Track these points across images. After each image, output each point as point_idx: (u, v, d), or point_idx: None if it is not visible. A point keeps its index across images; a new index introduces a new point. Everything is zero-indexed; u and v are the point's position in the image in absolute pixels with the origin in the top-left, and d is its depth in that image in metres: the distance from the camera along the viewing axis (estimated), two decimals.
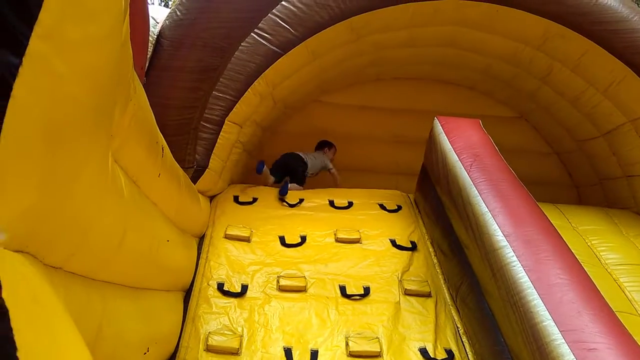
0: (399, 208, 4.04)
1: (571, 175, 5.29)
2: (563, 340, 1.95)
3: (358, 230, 3.65)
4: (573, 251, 2.53)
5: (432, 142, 3.73)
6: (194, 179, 3.49)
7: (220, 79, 3.55)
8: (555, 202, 4.15)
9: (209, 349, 2.69)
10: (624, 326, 2.06)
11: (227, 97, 3.70)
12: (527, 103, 5.05)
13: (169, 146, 2.60)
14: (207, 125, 3.59)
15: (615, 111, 4.09)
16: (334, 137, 5.29)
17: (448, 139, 3.48)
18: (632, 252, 3.54)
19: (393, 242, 3.59)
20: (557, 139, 5.18)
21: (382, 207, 4.02)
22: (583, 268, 2.39)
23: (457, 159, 3.27)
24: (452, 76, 5.15)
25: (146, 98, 2.14)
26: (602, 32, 3.75)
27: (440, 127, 3.63)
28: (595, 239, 3.65)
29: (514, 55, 4.38)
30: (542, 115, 5.05)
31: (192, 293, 3.03)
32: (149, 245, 2.22)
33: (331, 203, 4.01)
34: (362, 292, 3.14)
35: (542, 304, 2.13)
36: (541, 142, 5.36)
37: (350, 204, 4.01)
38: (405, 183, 4.44)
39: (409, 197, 4.25)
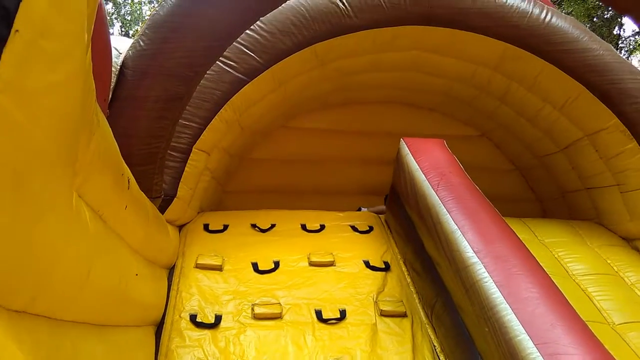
0: (371, 229, 4.06)
1: (534, 190, 5.44)
2: (538, 354, 1.98)
3: (331, 253, 3.65)
4: (541, 264, 2.59)
5: (399, 163, 3.79)
6: (162, 208, 3.43)
7: (187, 107, 3.53)
8: (520, 217, 4.26)
9: None
10: (594, 335, 2.11)
11: (194, 124, 3.68)
12: (487, 122, 5.21)
13: (135, 177, 2.55)
14: (174, 153, 3.56)
15: (572, 127, 4.26)
16: (302, 161, 5.32)
17: (415, 159, 3.54)
18: (596, 262, 3.66)
19: (367, 263, 3.59)
20: (518, 156, 5.34)
21: (354, 228, 4.04)
22: (552, 280, 2.44)
23: (425, 178, 3.33)
24: (416, 99, 5.28)
25: (110, 130, 2.11)
26: (555, 53, 3.93)
27: (407, 148, 3.70)
28: (562, 251, 3.75)
29: (473, 77, 4.52)
30: (503, 133, 5.21)
31: (164, 327, 2.94)
32: (117, 281, 2.15)
33: (303, 227, 3.99)
34: (339, 316, 3.12)
35: (516, 319, 2.16)
36: (503, 159, 5.52)
37: (323, 227, 4.00)
38: (376, 204, 4.48)
39: (380, 217, 4.29)
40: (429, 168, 3.41)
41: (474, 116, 5.25)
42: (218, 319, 3.01)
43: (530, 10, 3.87)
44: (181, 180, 3.60)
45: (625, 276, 3.54)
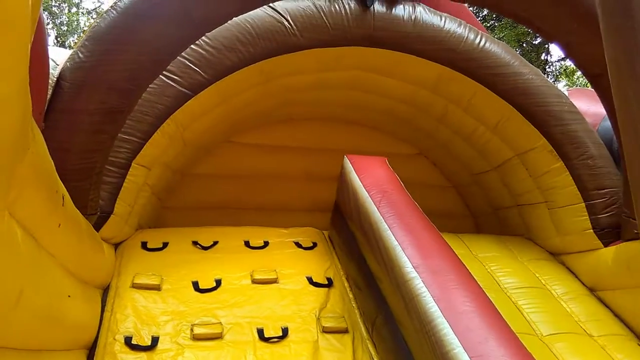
0: (315, 245, 4.08)
1: (468, 206, 5.69)
2: None
3: (275, 270, 3.63)
4: (476, 278, 2.71)
5: (342, 180, 3.86)
6: (97, 225, 3.29)
7: (127, 121, 3.43)
8: (456, 232, 4.44)
9: None
10: (524, 347, 2.22)
11: (134, 139, 3.58)
12: (426, 141, 5.41)
13: (70, 192, 2.45)
14: (112, 168, 3.44)
15: (504, 147, 4.51)
16: (246, 177, 5.28)
17: (358, 176, 3.62)
18: (526, 276, 3.87)
19: (310, 280, 3.60)
20: (454, 173, 5.57)
21: (298, 245, 4.05)
22: (486, 294, 2.56)
23: (367, 195, 3.40)
24: (358, 117, 5.40)
25: (44, 144, 2.02)
26: (488, 76, 4.17)
27: (350, 165, 3.78)
28: (494, 265, 3.94)
29: (413, 98, 4.70)
30: (440, 152, 5.43)
31: (97, 350, 2.80)
32: (49, 303, 2.05)
33: (247, 243, 3.96)
34: (281, 334, 3.10)
35: (452, 332, 2.25)
36: (440, 177, 5.73)
37: (266, 244, 3.98)
38: (320, 220, 4.51)
39: (323, 233, 4.32)
40: (371, 185, 3.50)
41: (413, 135, 5.43)
42: (155, 340, 2.91)
43: (466, 35, 4.09)
44: (119, 196, 3.47)
45: (552, 289, 3.76)
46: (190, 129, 4.16)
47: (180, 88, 3.74)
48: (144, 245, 3.74)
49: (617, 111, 1.51)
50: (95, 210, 3.26)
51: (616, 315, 3.56)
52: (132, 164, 3.57)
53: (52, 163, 2.11)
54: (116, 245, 3.71)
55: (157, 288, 3.30)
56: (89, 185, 3.05)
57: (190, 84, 3.78)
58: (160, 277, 3.38)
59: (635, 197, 1.36)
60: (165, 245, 3.78)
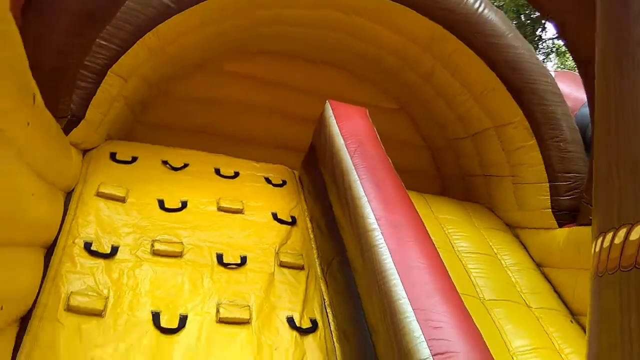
0: (284, 183, 4.13)
1: (439, 168, 5.80)
2: (414, 318, 2.19)
3: (241, 201, 3.67)
4: (432, 238, 2.82)
5: (321, 124, 3.86)
6: (67, 129, 3.23)
7: (107, 27, 3.30)
8: (422, 192, 4.56)
9: (70, 309, 2.56)
10: (465, 308, 2.37)
11: (112, 46, 3.46)
12: (408, 97, 5.41)
13: (42, 92, 2.37)
14: (87, 73, 3.34)
15: (484, 116, 4.55)
16: (226, 105, 5.20)
17: (337, 124, 3.62)
18: (480, 242, 4.05)
19: (274, 216, 3.67)
20: (431, 135, 5.63)
21: (268, 180, 4.08)
22: (438, 253, 2.68)
23: (343, 143, 3.43)
24: (346, 63, 5.32)
25: (19, 38, 1.93)
26: (482, 44, 4.14)
27: (331, 111, 3.77)
28: (452, 228, 4.10)
29: (402, 51, 4.64)
30: (421, 111, 5.44)
31: (55, 251, 2.83)
32: (11, 197, 2.04)
33: (217, 171, 3.96)
34: (239, 262, 3.19)
35: (401, 284, 2.37)
36: (417, 136, 5.79)
37: (237, 174, 4.00)
38: (290, 159, 4.53)
39: (294, 173, 4.36)
40: (348, 134, 3.52)
41: (397, 89, 5.41)
42: (114, 250, 2.96)
43: None
44: (91, 102, 3.39)
45: (502, 258, 3.96)
46: (173, 45, 4.02)
47: (165, 0, 3.59)
48: (112, 156, 3.70)
49: (596, 101, 1.54)
50: (66, 113, 3.19)
51: (556, 291, 3.79)
52: (108, 72, 3.48)
53: (25, 59, 2.03)
54: (84, 152, 3.65)
55: (121, 200, 3.31)
56: (62, 87, 2.97)
57: None
58: (126, 190, 3.38)
59: (594, 186, 1.43)
60: (134, 159, 3.75)
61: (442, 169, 5.74)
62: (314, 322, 2.99)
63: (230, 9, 4.01)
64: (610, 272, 1.21)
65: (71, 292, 2.63)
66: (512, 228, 4.44)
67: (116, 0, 2.77)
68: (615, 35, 1.44)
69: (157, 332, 2.62)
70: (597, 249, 1.29)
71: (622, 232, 1.19)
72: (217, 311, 2.83)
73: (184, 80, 4.97)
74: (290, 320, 2.94)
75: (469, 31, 4.11)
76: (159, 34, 3.71)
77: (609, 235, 1.24)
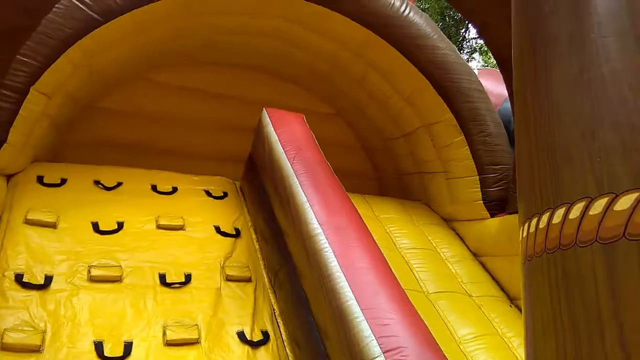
0: (225, 195, 4.07)
1: (376, 169, 5.94)
2: (363, 318, 2.24)
3: (182, 217, 3.59)
4: (375, 237, 2.89)
5: (259, 132, 3.85)
6: None
7: (27, 42, 3.14)
8: (362, 193, 4.65)
9: (5, 348, 2.40)
10: (410, 302, 2.45)
11: (34, 62, 3.31)
12: (343, 102, 5.51)
13: None
14: (8, 93, 3.18)
15: (414, 116, 4.72)
16: (159, 118, 5.06)
17: (275, 131, 3.63)
18: (420, 238, 4.19)
19: (217, 229, 3.62)
20: (367, 137, 5.76)
21: (208, 193, 4.02)
22: (381, 253, 2.75)
23: (282, 150, 3.44)
24: (280, 69, 5.34)
25: None
26: (409, 46, 4.29)
27: (268, 119, 3.77)
28: (393, 227, 4.22)
29: (333, 57, 4.73)
30: (356, 114, 5.56)
31: None
32: None
33: (154, 187, 3.85)
34: (183, 280, 3.12)
35: (348, 286, 2.41)
36: (353, 138, 5.90)
37: (175, 190, 3.91)
38: (231, 170, 4.47)
39: (235, 184, 4.31)
40: (287, 141, 3.54)
41: (331, 94, 5.50)
42: (48, 279, 2.80)
43: (393, 2, 4.16)
44: (13, 124, 3.23)
45: (441, 251, 4.12)
46: (100, 58, 3.89)
47: (90, 12, 3.48)
48: (39, 180, 3.51)
49: (514, 95, 1.64)
50: None
51: (494, 278, 3.99)
52: (30, 90, 3.32)
53: None
54: (8, 177, 3.44)
55: (52, 226, 3.15)
56: None
57: (102, 9, 3.53)
58: (57, 215, 3.21)
59: (517, 176, 1.52)
60: (63, 181, 3.58)
61: (380, 170, 5.88)
62: (265, 334, 2.97)
63: (158, 19, 3.92)
64: (537, 255, 1.29)
65: (5, 329, 2.47)
66: (448, 222, 4.62)
67: (38, 13, 2.63)
68: (529, 32, 1.54)
69: None
70: (524, 235, 1.38)
71: (545, 217, 1.28)
72: (164, 334, 2.75)
73: (112, 95, 4.78)
74: (241, 335, 2.90)
75: (396, 34, 4.25)
76: (84, 47, 3.57)
77: (534, 221, 1.33)
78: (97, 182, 3.69)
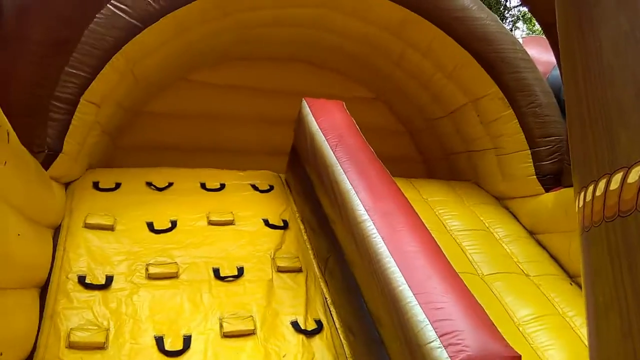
0: (271, 188, 4.11)
1: (421, 151, 5.82)
2: (416, 302, 2.20)
3: (231, 212, 3.65)
4: (424, 220, 2.83)
5: (300, 123, 3.85)
6: (46, 164, 3.20)
7: (74, 54, 3.27)
8: (408, 177, 4.56)
9: (72, 346, 2.53)
10: (464, 285, 2.38)
11: (82, 73, 3.44)
12: (383, 85, 5.42)
13: (15, 129, 2.35)
14: (60, 104, 3.31)
15: (458, 92, 4.58)
16: (202, 117, 5.17)
17: (315, 120, 3.62)
18: (471, 219, 4.07)
19: (266, 222, 3.66)
20: (409, 119, 5.65)
21: (255, 187, 4.06)
22: (432, 236, 2.69)
23: (324, 139, 3.43)
24: (318, 58, 5.32)
25: None
26: (447, 20, 4.16)
27: (308, 108, 3.76)
28: (442, 209, 4.12)
29: (373, 40, 4.65)
30: (396, 97, 5.46)
31: (50, 289, 2.80)
32: None
33: (203, 185, 3.94)
34: (236, 273, 3.17)
35: (399, 271, 2.37)
36: (395, 122, 5.80)
37: (223, 186, 3.98)
38: (275, 163, 4.51)
39: (280, 177, 4.34)
40: (328, 129, 3.52)
41: (371, 78, 5.43)
42: (109, 279, 2.93)
43: None
44: (67, 134, 3.36)
45: (494, 232, 3.99)
46: (142, 64, 4.00)
47: (130, 19, 3.58)
48: (95, 186, 3.67)
49: (562, 61, 1.55)
50: (43, 148, 3.15)
51: (552, 256, 3.83)
52: (81, 100, 3.45)
53: None
54: (67, 185, 3.61)
55: (110, 228, 3.28)
56: (36, 121, 2.93)
57: (141, 15, 3.62)
58: (114, 218, 3.35)
59: (570, 144, 1.44)
60: (118, 185, 3.72)
61: (425, 152, 5.76)
62: (319, 323, 2.98)
63: (193, 20, 3.99)
64: (595, 225, 1.22)
65: (71, 329, 2.60)
66: (501, 200, 4.47)
67: (78, 25, 2.74)
68: None
69: (162, 357, 2.61)
70: (581, 204, 1.30)
71: (602, 184, 1.20)
72: (221, 326, 2.81)
73: (156, 98, 4.93)
74: (295, 324, 2.93)
75: (433, 9, 4.14)
76: (127, 55, 3.69)
77: (590, 189, 1.25)
78: (149, 184, 3.82)
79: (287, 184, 4.26)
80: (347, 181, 3.03)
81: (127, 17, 3.56)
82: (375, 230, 2.63)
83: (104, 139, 4.18)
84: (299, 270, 3.33)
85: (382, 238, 2.57)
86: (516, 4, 17.87)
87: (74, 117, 3.41)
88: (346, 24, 4.53)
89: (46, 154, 3.19)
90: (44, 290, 2.79)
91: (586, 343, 1.33)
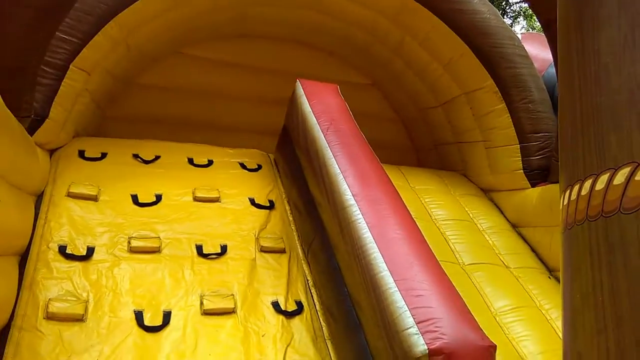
0: (259, 167, 4.09)
1: (412, 140, 5.83)
2: (396, 289, 2.22)
3: (217, 189, 3.63)
4: (409, 208, 2.84)
5: (293, 104, 3.82)
6: (31, 129, 3.15)
7: (66, 19, 3.20)
8: (398, 164, 4.57)
9: (50, 317, 2.51)
10: (445, 274, 2.40)
11: (73, 39, 3.38)
12: (379, 71, 5.39)
13: (1, 93, 2.30)
14: (49, 70, 3.25)
15: (453, 84, 4.57)
16: (195, 92, 5.10)
17: (308, 102, 3.59)
18: (456, 209, 4.10)
19: (252, 201, 3.65)
20: (403, 107, 5.64)
21: (243, 166, 4.04)
22: (416, 224, 2.71)
23: (316, 121, 3.40)
24: (315, 40, 5.26)
25: None
26: (447, 11, 4.14)
27: (302, 90, 3.73)
28: (428, 198, 4.14)
29: (371, 25, 4.61)
30: (392, 84, 5.43)
31: (29, 257, 2.77)
32: None
33: (190, 161, 3.90)
34: (219, 251, 3.16)
35: (381, 257, 2.38)
36: (389, 109, 5.78)
37: (210, 162, 3.94)
38: (266, 142, 4.48)
39: (269, 156, 4.32)
40: (320, 112, 3.49)
41: (367, 64, 5.39)
42: (90, 251, 2.90)
43: None
44: (55, 99, 3.32)
45: (478, 223, 4.02)
46: (137, 33, 3.93)
47: None
48: (81, 154, 3.61)
49: (559, 59, 1.55)
50: (29, 113, 3.10)
51: (533, 250, 3.88)
52: (71, 66, 3.40)
53: None
54: (51, 152, 3.56)
55: (94, 198, 3.24)
56: (23, 85, 2.89)
57: None
58: (98, 188, 3.31)
59: (560, 142, 1.45)
60: (104, 155, 3.67)
61: (416, 140, 5.77)
62: (299, 304, 3.00)
63: None
64: (578, 223, 1.23)
65: (49, 299, 2.57)
66: (487, 192, 4.50)
67: None
68: None
69: (141, 331, 2.59)
70: (565, 202, 1.32)
71: (587, 184, 1.21)
72: (201, 303, 2.81)
73: (148, 70, 4.85)
74: (276, 305, 2.94)
75: None
76: (121, 22, 3.62)
77: (576, 188, 1.26)
78: (135, 156, 3.77)
79: (275, 164, 4.24)
80: (336, 165, 3.02)
81: None
82: (360, 216, 2.64)
83: (92, 107, 4.11)
84: (283, 251, 3.33)
85: (367, 224, 2.58)
86: (518, 0, 17.81)
87: (62, 83, 3.36)
88: (345, 8, 4.48)
89: (32, 119, 3.14)
90: (23, 259, 2.76)
91: (561, 335, 1.36)
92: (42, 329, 2.46)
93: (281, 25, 4.98)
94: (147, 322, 2.63)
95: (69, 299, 2.61)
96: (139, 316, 2.64)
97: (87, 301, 2.64)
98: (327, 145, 3.19)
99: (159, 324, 2.64)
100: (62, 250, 2.84)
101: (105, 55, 3.74)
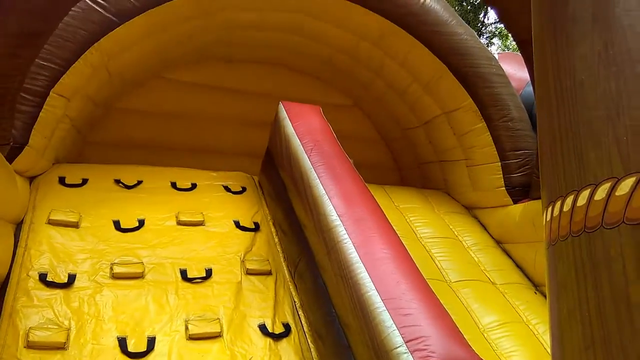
0: (244, 190, 4.08)
1: (395, 159, 5.88)
2: (384, 308, 2.21)
3: (201, 213, 3.60)
4: (395, 227, 2.85)
5: (276, 126, 3.84)
6: (10, 157, 3.10)
7: (46, 46, 3.18)
8: (381, 184, 4.60)
9: (30, 346, 2.44)
10: (432, 292, 2.41)
11: (53, 66, 3.36)
12: (361, 93, 5.45)
13: None
14: (28, 96, 3.22)
15: (433, 104, 4.65)
16: (177, 116, 5.08)
17: (291, 124, 3.61)
18: (441, 227, 4.13)
19: (237, 224, 3.62)
20: (386, 127, 5.70)
21: (227, 188, 4.02)
22: (402, 242, 2.72)
23: (299, 143, 3.42)
24: (297, 63, 5.31)
25: None
26: (426, 33, 4.22)
27: (285, 112, 3.75)
28: (413, 216, 4.16)
29: (353, 49, 4.68)
30: (374, 105, 5.50)
31: (9, 286, 2.71)
32: None
33: (173, 185, 3.87)
34: (204, 275, 3.12)
35: (368, 277, 2.38)
36: (372, 130, 5.84)
37: (194, 186, 3.92)
38: (250, 165, 4.48)
39: (253, 178, 4.31)
40: (304, 133, 3.51)
41: (349, 86, 5.45)
42: (72, 278, 2.84)
43: None
44: (34, 127, 3.28)
45: (463, 240, 4.05)
46: (117, 59, 3.92)
47: (107, 14, 3.52)
48: (61, 181, 3.57)
49: (535, 77, 1.59)
50: (8, 140, 3.06)
51: (518, 265, 3.91)
52: (51, 93, 3.37)
53: None
54: (31, 179, 3.50)
55: (74, 225, 3.19)
56: (1, 113, 2.85)
57: (118, 10, 3.56)
58: (79, 215, 3.26)
59: (540, 159, 1.47)
60: (84, 181, 3.62)
61: (399, 160, 5.82)
62: (287, 326, 2.96)
63: (173, 18, 3.94)
64: (562, 239, 1.24)
65: (30, 328, 2.51)
66: (470, 209, 4.55)
67: (52, 19, 2.67)
68: (550, 12, 1.49)
69: (125, 358, 2.54)
70: (548, 219, 1.33)
71: (569, 199, 1.23)
72: (186, 328, 2.76)
73: (130, 95, 4.83)
74: (263, 327, 2.90)
75: (414, 22, 4.19)
76: (102, 49, 3.62)
77: (558, 204, 1.28)
78: (117, 181, 3.73)
79: (260, 186, 4.24)
80: (321, 186, 3.03)
81: (103, 12, 3.51)
82: (346, 236, 2.64)
83: (72, 133, 4.07)
84: (269, 273, 3.30)
85: (353, 243, 2.59)
86: (493, 21, 18.31)
87: (42, 109, 3.33)
88: (328, 32, 4.55)
89: (11, 146, 3.10)
90: (3, 288, 2.69)
91: (548, 350, 1.36)
92: (23, 358, 2.40)
93: (263, 48, 5.03)
94: (130, 349, 2.58)
95: (50, 327, 2.55)
96: (122, 343, 2.59)
97: (68, 329, 2.58)
98: (311, 166, 3.21)
99: (143, 350, 2.60)
100: (42, 278, 2.78)
101: (85, 81, 3.72)
